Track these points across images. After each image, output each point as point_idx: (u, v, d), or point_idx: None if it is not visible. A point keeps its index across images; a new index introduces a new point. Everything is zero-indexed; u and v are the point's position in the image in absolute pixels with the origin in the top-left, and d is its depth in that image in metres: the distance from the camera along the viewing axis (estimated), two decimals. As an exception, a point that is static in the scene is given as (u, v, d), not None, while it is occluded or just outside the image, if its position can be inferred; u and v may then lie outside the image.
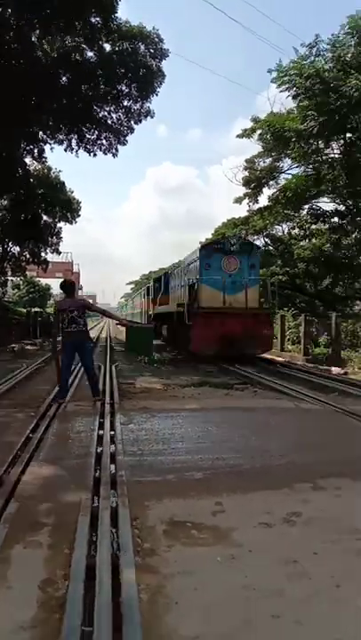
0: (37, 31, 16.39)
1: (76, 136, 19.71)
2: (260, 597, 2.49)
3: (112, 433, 5.73)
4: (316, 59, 17.93)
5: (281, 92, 18.76)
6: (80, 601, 2.34)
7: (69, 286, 8.45)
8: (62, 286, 8.53)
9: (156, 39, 17.77)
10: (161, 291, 22.91)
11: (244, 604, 2.43)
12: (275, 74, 18.35)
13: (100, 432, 5.82)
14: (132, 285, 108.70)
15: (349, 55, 17.44)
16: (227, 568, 2.79)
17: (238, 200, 26.35)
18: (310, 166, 22.10)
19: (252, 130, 22.90)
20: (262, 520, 3.42)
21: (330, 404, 7.77)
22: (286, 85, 18.24)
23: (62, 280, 9.06)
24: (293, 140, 18.95)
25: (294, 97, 18.43)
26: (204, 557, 2.90)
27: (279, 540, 3.16)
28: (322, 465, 4.71)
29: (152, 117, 19.20)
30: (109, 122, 19.23)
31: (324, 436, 5.94)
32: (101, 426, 6.14)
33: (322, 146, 20.03)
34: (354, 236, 21.80)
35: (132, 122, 19.29)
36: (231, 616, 2.34)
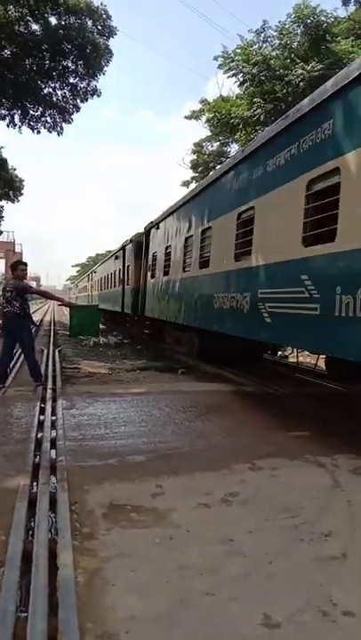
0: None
1: (19, 111, 18.92)
2: (196, 576, 2.56)
3: (53, 418, 5.66)
4: (264, 45, 18.04)
5: (228, 77, 18.79)
6: (15, 586, 2.32)
7: (11, 267, 8.32)
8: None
9: (104, 15, 17.32)
10: None
11: (181, 584, 2.49)
12: (221, 60, 18.32)
13: (41, 417, 5.73)
14: (78, 268, 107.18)
15: (295, 43, 17.63)
16: (164, 549, 2.84)
17: (186, 183, 26.38)
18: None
19: (201, 111, 22.86)
20: (201, 501, 3.50)
21: (270, 387, 7.98)
22: (233, 72, 18.25)
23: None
24: (240, 126, 19.06)
25: (241, 83, 18.48)
26: (143, 539, 2.94)
27: (216, 519, 3.24)
28: (261, 445, 4.85)
29: (99, 96, 18.77)
30: (54, 99, 18.60)
31: (264, 417, 6.10)
32: (42, 411, 6.05)
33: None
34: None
35: (78, 100, 18.76)
36: (167, 595, 2.39)
